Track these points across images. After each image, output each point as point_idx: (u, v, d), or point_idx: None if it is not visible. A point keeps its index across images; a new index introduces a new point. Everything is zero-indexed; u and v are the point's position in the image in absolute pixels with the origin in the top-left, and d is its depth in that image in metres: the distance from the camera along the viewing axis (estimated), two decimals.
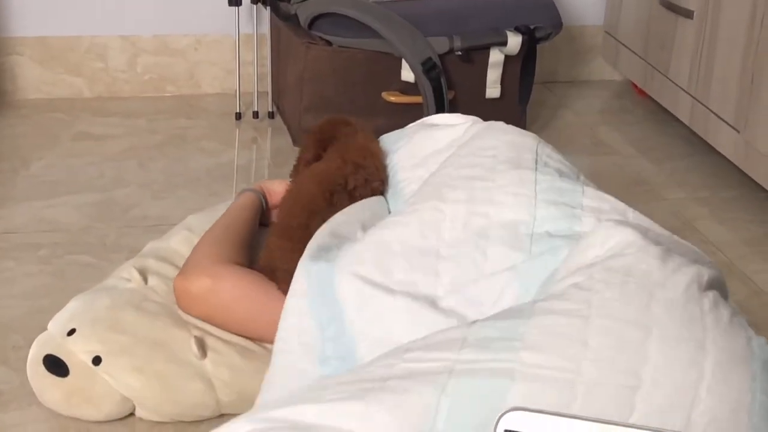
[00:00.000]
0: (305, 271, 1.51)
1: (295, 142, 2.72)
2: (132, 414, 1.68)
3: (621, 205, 1.57)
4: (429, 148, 1.81)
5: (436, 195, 1.60)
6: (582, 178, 1.68)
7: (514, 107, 2.77)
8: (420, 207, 1.59)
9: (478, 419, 1.15)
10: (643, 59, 2.92)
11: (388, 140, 1.92)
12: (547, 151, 1.69)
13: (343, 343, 1.45)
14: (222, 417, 1.69)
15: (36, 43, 2.87)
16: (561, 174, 1.64)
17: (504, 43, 2.68)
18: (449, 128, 1.85)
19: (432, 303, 1.43)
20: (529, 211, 1.54)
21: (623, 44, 3.05)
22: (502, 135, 1.72)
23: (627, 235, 1.39)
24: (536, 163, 1.63)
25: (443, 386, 1.18)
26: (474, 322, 1.29)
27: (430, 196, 1.60)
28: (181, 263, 1.82)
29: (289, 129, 2.79)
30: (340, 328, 1.45)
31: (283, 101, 2.84)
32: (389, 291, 1.45)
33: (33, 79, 2.89)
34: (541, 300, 1.31)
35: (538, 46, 2.78)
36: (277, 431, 1.17)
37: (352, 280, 1.48)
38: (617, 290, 1.28)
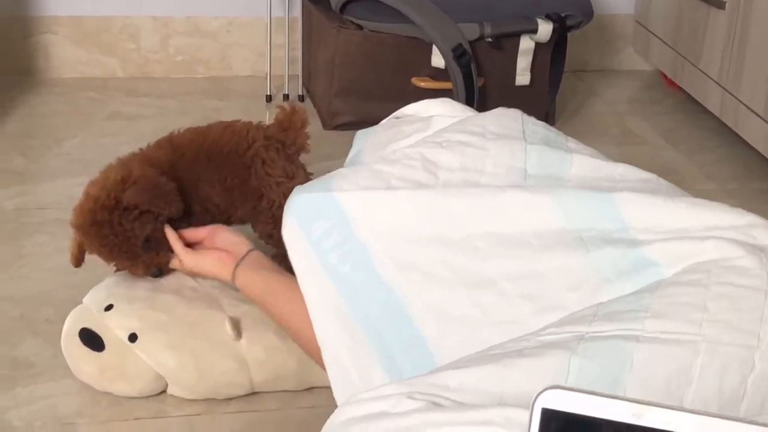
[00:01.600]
0: (292, 206, 1.58)
1: (324, 125, 2.74)
2: (163, 391, 1.71)
3: (608, 171, 1.62)
4: (396, 140, 1.84)
5: (426, 155, 1.65)
6: (571, 144, 1.72)
7: (544, 95, 2.78)
8: (407, 156, 1.65)
9: (607, 377, 1.22)
10: (673, 49, 2.92)
11: (360, 134, 1.97)
12: (532, 120, 1.75)
13: (350, 250, 1.51)
14: (254, 395, 1.71)
15: (70, 23, 2.89)
16: (549, 143, 1.68)
17: (534, 31, 2.69)
18: (419, 122, 1.88)
19: (434, 186, 1.54)
20: (519, 160, 1.62)
21: (654, 34, 3.05)
22: (485, 115, 1.77)
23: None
24: (524, 134, 1.67)
25: (574, 349, 1.25)
26: (601, 303, 1.37)
27: (418, 154, 1.66)
28: None
29: (319, 112, 2.81)
30: (345, 234, 1.52)
31: (314, 85, 2.86)
32: (391, 188, 1.55)
33: (67, 58, 2.92)
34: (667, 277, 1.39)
35: (569, 35, 2.79)
36: (422, 394, 1.22)
37: (354, 190, 1.56)
38: (733, 261, 1.37)
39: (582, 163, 1.65)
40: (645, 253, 1.42)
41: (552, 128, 1.76)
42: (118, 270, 1.77)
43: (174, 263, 1.76)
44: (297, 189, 1.63)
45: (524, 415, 1.13)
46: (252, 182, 1.84)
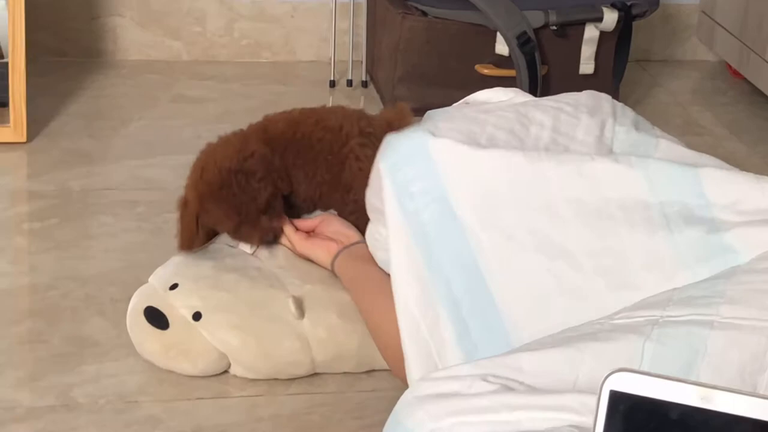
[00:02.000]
0: (386, 152, 1.60)
1: None
2: (226, 371, 1.73)
3: (692, 157, 1.62)
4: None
5: (520, 110, 1.66)
6: (658, 131, 1.72)
7: (608, 84, 2.77)
8: (501, 108, 1.66)
9: (680, 362, 1.22)
10: (739, 40, 2.90)
11: (431, 113, 1.97)
12: (622, 104, 1.77)
13: (434, 199, 1.54)
14: (315, 376, 1.73)
15: (137, 5, 2.92)
16: (637, 125, 1.68)
17: (600, 19, 2.68)
18: (497, 103, 1.88)
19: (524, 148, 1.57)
20: (609, 132, 1.63)
21: (719, 24, 3.02)
22: (577, 93, 1.77)
23: None
24: (615, 114, 1.67)
25: (648, 334, 1.25)
26: (676, 288, 1.38)
27: (512, 108, 1.67)
28: None
29: (382, 98, 2.82)
30: (431, 183, 1.54)
31: (377, 70, 2.87)
32: (483, 144, 1.57)
33: (133, 41, 2.95)
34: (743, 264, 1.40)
35: (634, 24, 2.77)
36: (495, 377, 1.23)
37: (448, 139, 1.57)
38: None
39: (667, 147, 1.65)
40: (724, 239, 1.42)
41: (640, 116, 1.76)
42: (236, 237, 1.81)
43: (285, 244, 1.82)
44: (391, 135, 1.64)
45: None
46: (344, 177, 1.84)
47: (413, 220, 1.55)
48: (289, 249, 1.83)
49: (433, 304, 1.51)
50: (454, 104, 2.03)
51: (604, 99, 1.76)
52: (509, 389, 1.21)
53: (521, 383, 1.22)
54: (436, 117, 1.83)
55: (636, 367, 1.21)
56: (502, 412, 1.17)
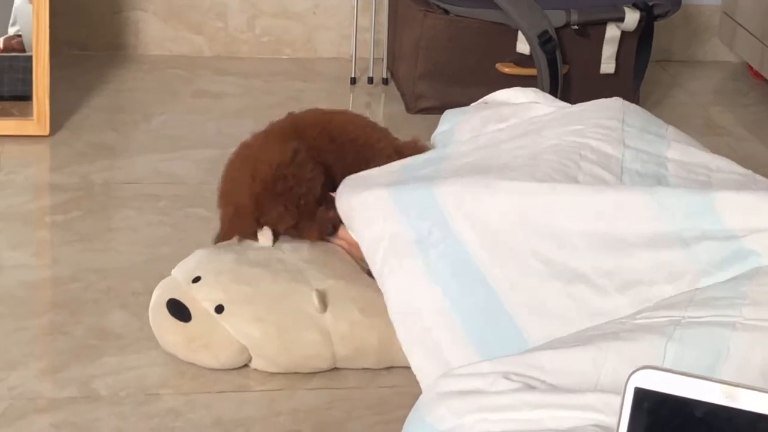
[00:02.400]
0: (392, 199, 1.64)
1: (408, 109, 2.75)
2: (247, 365, 1.74)
3: (705, 157, 1.62)
4: (494, 121, 1.86)
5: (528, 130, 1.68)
6: (670, 130, 1.73)
7: (628, 84, 2.77)
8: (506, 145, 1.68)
9: (703, 363, 1.22)
10: (760, 41, 2.90)
11: (450, 113, 1.99)
12: (633, 107, 1.78)
13: (448, 244, 1.56)
14: (335, 371, 1.74)
15: (160, 0, 2.93)
16: (647, 124, 1.69)
17: (621, 19, 2.68)
18: (517, 106, 1.89)
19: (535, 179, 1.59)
20: (617, 149, 1.63)
21: (741, 25, 3.02)
22: (584, 113, 1.78)
23: None
24: (623, 114, 1.68)
25: (670, 335, 1.25)
26: (698, 288, 1.39)
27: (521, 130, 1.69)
28: None
29: (402, 96, 2.82)
30: (442, 229, 1.57)
31: (398, 68, 2.87)
32: (488, 186, 1.59)
33: (155, 36, 2.96)
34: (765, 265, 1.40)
35: (655, 24, 2.77)
36: (517, 375, 1.24)
37: (452, 183, 1.60)
38: None
39: (678, 148, 1.66)
40: (745, 243, 1.42)
41: (650, 115, 1.77)
42: (296, 235, 1.82)
43: (340, 242, 1.84)
44: (395, 187, 1.66)
45: None
46: (373, 165, 1.88)
47: (432, 267, 1.58)
48: (334, 244, 1.84)
49: (461, 345, 1.52)
50: (473, 104, 2.04)
51: (614, 106, 1.76)
52: (531, 387, 1.22)
53: (543, 381, 1.23)
54: (452, 130, 1.85)
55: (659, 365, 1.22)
56: (523, 410, 1.18)
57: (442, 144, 1.95)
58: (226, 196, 1.87)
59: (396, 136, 2.02)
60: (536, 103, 1.88)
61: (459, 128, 1.95)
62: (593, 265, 1.47)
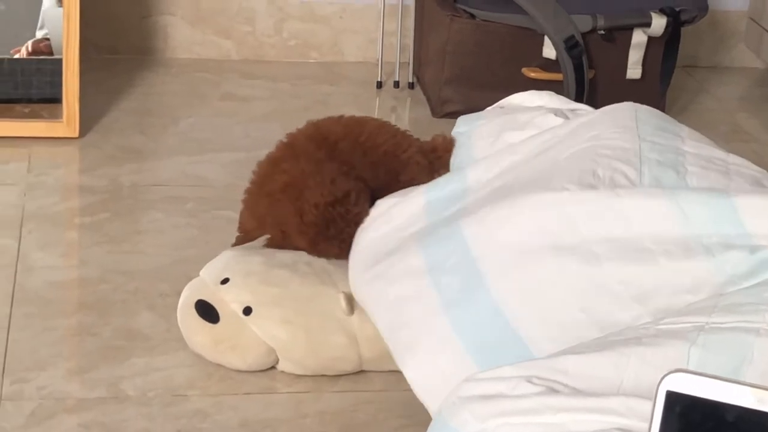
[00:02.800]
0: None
1: (433, 113, 2.76)
2: (273, 367, 1.75)
3: (720, 153, 1.64)
4: (510, 129, 1.88)
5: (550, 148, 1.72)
6: (685, 129, 1.73)
7: (654, 89, 2.77)
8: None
9: (726, 369, 1.23)
10: None
11: (465, 119, 2.00)
12: (644, 108, 1.78)
13: (463, 266, 1.56)
14: (361, 374, 1.75)
15: (188, 4, 2.95)
16: (661, 122, 1.71)
17: (648, 24, 2.68)
18: (532, 112, 1.90)
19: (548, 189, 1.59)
20: (633, 143, 1.63)
21: None
22: (595, 123, 1.78)
23: None
24: (636, 114, 1.71)
25: (693, 340, 1.25)
26: (722, 295, 1.38)
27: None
28: None
29: (428, 100, 2.83)
30: (461, 257, 1.56)
31: (424, 72, 2.88)
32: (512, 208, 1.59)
33: (184, 39, 2.98)
34: None
35: (682, 29, 2.77)
36: (540, 379, 1.24)
37: (479, 221, 1.60)
38: None
39: (694, 144, 1.67)
40: None
41: (664, 115, 1.77)
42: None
43: None
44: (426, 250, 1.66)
45: (646, 405, 1.13)
46: (402, 178, 1.89)
47: (438, 282, 1.58)
48: None
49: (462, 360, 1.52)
50: (488, 108, 2.05)
51: (625, 109, 1.77)
52: (554, 391, 1.22)
53: (565, 385, 1.23)
54: (470, 134, 1.86)
55: None
56: (546, 413, 1.18)
57: (461, 150, 1.95)
58: (268, 216, 1.85)
59: (421, 138, 2.02)
60: (548, 111, 1.89)
61: (477, 133, 1.95)
62: (612, 272, 1.47)
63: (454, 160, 1.97)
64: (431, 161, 1.94)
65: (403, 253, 1.65)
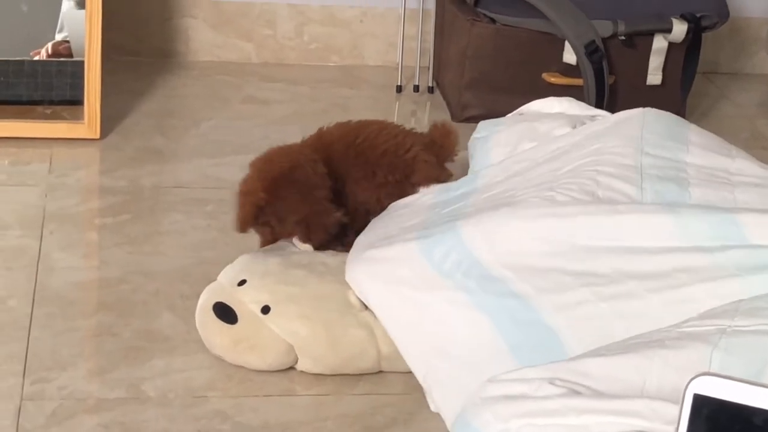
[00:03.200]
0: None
1: (453, 117, 2.76)
2: (293, 368, 1.75)
3: (725, 161, 1.66)
4: (529, 138, 1.89)
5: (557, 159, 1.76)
6: (693, 133, 1.74)
7: (675, 95, 2.77)
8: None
9: (748, 371, 1.23)
10: None
11: (486, 123, 2.01)
12: (653, 114, 1.81)
13: (468, 266, 1.61)
14: (381, 377, 1.75)
15: (210, 7, 2.96)
16: (668, 129, 1.69)
17: (669, 30, 2.67)
18: (550, 121, 1.91)
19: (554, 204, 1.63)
20: (635, 159, 1.66)
21: None
22: (602, 134, 1.79)
23: None
24: (643, 123, 1.72)
25: (716, 343, 1.25)
26: (742, 300, 1.39)
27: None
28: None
29: (448, 104, 2.83)
30: (461, 255, 1.61)
31: (444, 77, 2.88)
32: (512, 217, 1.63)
33: (205, 42, 2.98)
34: None
35: (703, 36, 2.77)
36: (563, 381, 1.26)
37: (477, 223, 1.64)
38: None
39: (698, 152, 1.68)
40: None
41: (671, 118, 1.78)
42: (302, 230, 1.84)
43: None
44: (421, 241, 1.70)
45: (670, 408, 1.14)
46: (414, 178, 1.92)
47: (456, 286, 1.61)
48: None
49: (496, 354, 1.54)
50: (509, 115, 2.07)
51: (634, 117, 1.78)
52: (576, 393, 1.22)
53: (588, 387, 1.24)
54: (489, 138, 1.88)
55: None
56: (569, 415, 1.18)
57: (478, 154, 1.97)
58: (242, 191, 1.88)
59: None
60: (573, 116, 1.90)
61: (496, 139, 1.97)
62: (620, 271, 1.49)
63: (473, 165, 1.99)
64: (437, 154, 1.95)
65: (401, 239, 1.71)
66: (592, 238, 1.54)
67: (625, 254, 1.51)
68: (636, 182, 1.62)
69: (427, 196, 1.84)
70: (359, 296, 1.72)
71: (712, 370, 1.23)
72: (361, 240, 1.81)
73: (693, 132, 1.78)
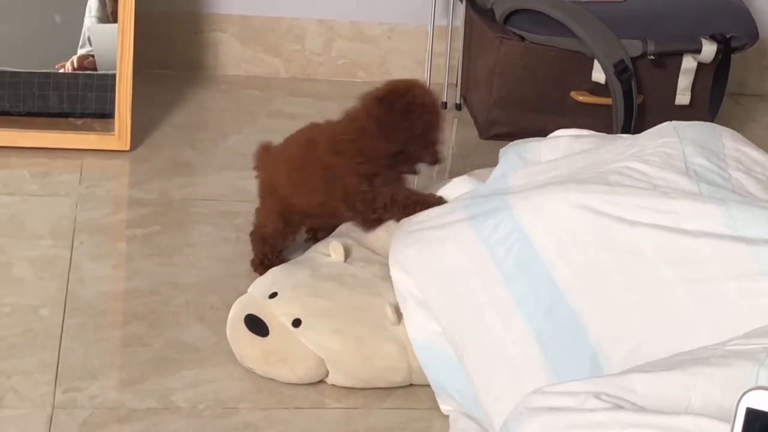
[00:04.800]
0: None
1: (481, 134, 2.76)
2: (323, 381, 1.75)
3: (759, 157, 1.71)
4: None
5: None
6: (726, 134, 1.76)
7: (703, 116, 2.76)
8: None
9: None
10: None
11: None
12: (684, 123, 1.82)
13: (515, 240, 1.63)
14: (411, 391, 1.75)
15: (239, 21, 2.97)
16: (701, 133, 1.76)
17: (698, 51, 2.68)
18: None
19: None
20: (677, 149, 1.68)
21: None
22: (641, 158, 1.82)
23: None
24: (676, 129, 1.77)
25: (762, 361, 1.25)
26: None
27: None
28: (377, 244, 1.88)
29: (475, 122, 2.84)
30: (509, 227, 1.64)
31: (472, 94, 2.89)
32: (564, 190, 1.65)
33: (234, 56, 3.00)
34: None
35: (732, 56, 2.77)
36: (609, 396, 1.26)
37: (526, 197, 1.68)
38: None
39: (733, 147, 1.71)
40: None
41: (703, 124, 1.79)
42: (365, 199, 1.88)
43: None
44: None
45: (716, 425, 1.14)
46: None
47: (500, 263, 1.62)
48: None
49: (523, 335, 1.55)
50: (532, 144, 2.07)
51: (665, 127, 1.80)
52: (621, 408, 1.23)
53: (633, 404, 1.24)
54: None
55: None
56: (615, 428, 1.18)
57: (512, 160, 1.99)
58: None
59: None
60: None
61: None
62: (657, 253, 1.52)
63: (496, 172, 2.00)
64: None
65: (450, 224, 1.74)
66: (637, 213, 1.56)
67: (669, 234, 1.52)
68: (681, 170, 1.64)
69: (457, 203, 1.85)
70: (400, 280, 1.74)
71: None
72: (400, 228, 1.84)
73: (726, 132, 1.81)
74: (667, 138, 1.73)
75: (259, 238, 1.99)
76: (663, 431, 1.17)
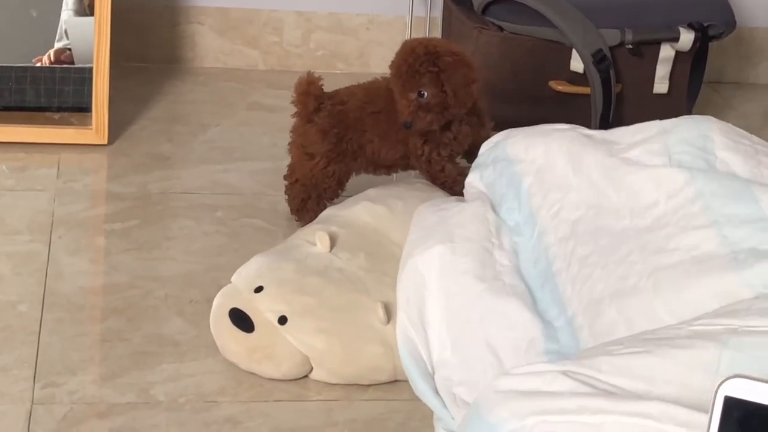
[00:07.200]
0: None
1: None
2: (306, 376, 1.75)
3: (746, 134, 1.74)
4: None
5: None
6: (717, 135, 1.77)
7: (681, 105, 2.77)
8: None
9: (759, 371, 1.23)
10: None
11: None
12: (679, 132, 1.81)
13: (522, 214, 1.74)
14: (391, 384, 1.75)
15: (217, 13, 2.96)
16: (689, 125, 1.77)
17: (676, 39, 2.68)
18: None
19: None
20: (661, 141, 1.74)
21: None
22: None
23: None
24: (662, 124, 1.80)
25: (726, 342, 1.26)
26: (758, 297, 1.41)
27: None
28: (365, 230, 1.87)
29: None
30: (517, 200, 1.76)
31: None
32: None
33: (212, 49, 2.98)
34: None
35: (709, 45, 2.77)
36: (574, 375, 1.27)
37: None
38: None
39: (719, 128, 1.73)
40: None
41: (701, 132, 1.79)
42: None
43: None
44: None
45: (681, 411, 1.16)
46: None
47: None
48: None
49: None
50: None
51: (650, 123, 1.82)
52: (592, 393, 1.24)
53: (600, 381, 1.25)
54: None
55: (713, 374, 1.23)
56: (584, 413, 1.20)
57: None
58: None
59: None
60: None
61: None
62: (647, 285, 1.52)
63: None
64: None
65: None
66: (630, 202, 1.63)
67: (657, 256, 1.54)
68: (661, 152, 1.70)
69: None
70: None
71: (721, 370, 1.24)
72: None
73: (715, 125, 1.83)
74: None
75: (300, 186, 2.11)
76: (630, 417, 1.18)
